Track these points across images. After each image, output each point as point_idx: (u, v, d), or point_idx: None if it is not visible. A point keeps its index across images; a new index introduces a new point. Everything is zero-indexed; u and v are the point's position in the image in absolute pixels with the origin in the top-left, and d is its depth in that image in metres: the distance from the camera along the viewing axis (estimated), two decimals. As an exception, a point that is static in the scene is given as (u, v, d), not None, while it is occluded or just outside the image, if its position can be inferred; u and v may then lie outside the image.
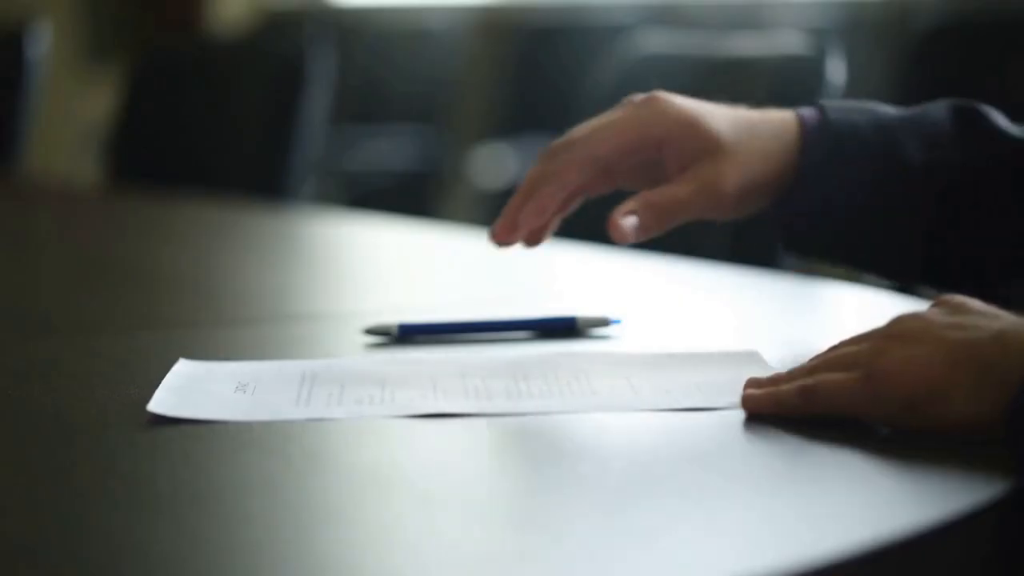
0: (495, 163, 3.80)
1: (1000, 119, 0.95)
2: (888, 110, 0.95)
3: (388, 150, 4.10)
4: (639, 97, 0.93)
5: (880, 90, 3.41)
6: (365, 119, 4.18)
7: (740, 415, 0.75)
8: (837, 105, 0.94)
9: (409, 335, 0.94)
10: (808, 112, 0.94)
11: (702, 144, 0.91)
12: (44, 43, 2.53)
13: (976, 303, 0.74)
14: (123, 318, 1.10)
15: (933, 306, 0.75)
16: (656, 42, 2.06)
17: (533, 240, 0.95)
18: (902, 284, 1.03)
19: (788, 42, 1.86)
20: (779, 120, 0.94)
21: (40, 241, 1.62)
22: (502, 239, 0.93)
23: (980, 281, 0.94)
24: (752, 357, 0.86)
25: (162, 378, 0.83)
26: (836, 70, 1.74)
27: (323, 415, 0.76)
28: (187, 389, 0.80)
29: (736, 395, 0.76)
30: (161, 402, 0.77)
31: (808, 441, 0.71)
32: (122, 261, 1.42)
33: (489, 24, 4.53)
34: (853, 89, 2.21)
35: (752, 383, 0.76)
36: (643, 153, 0.93)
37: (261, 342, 0.98)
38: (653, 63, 1.98)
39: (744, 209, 0.94)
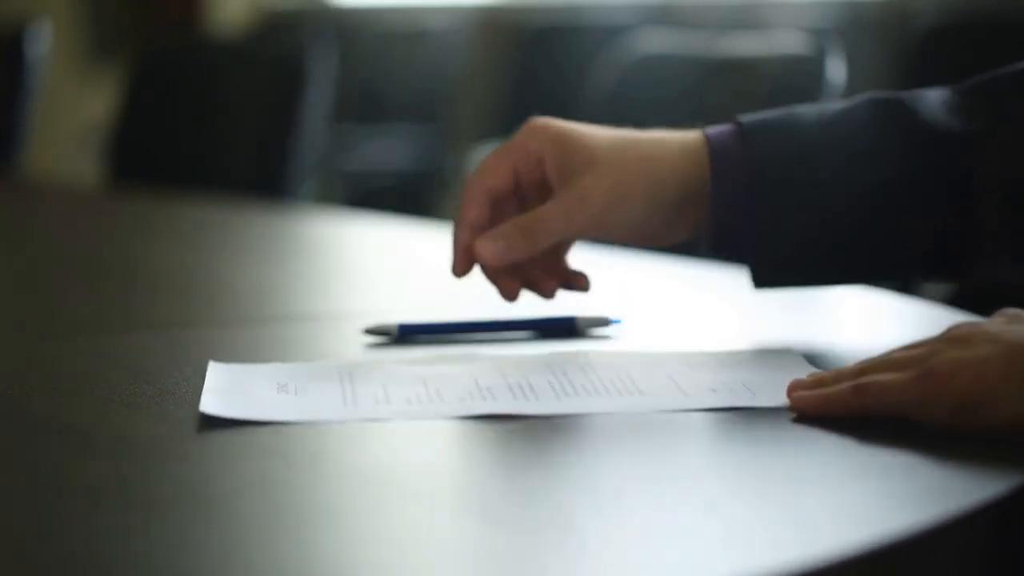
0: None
1: (922, 103, 0.92)
2: (808, 119, 0.92)
3: (388, 150, 4.09)
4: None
5: (880, 90, 3.41)
6: (365, 119, 4.18)
7: (741, 416, 0.75)
8: (755, 122, 0.91)
9: (409, 335, 0.94)
10: (721, 133, 0.91)
11: (576, 160, 0.91)
12: (44, 43, 2.53)
13: None
14: (123, 318, 1.10)
15: (991, 317, 0.74)
16: (656, 42, 2.05)
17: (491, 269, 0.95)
18: (900, 280, 1.02)
19: (788, 42, 1.86)
20: (679, 138, 0.92)
21: (40, 241, 1.61)
22: (460, 273, 0.94)
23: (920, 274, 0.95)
24: (790, 355, 0.85)
25: (162, 378, 0.83)
26: (836, 70, 1.73)
27: (376, 415, 0.75)
28: (231, 391, 0.79)
29: (782, 394, 0.75)
30: (211, 404, 0.75)
31: (807, 441, 0.71)
32: (122, 261, 1.42)
33: (489, 24, 4.53)
34: (853, 89, 2.20)
35: (797, 385, 0.76)
36: (528, 175, 0.93)
37: (261, 342, 0.98)
38: (653, 63, 1.98)
39: (636, 224, 0.91)
